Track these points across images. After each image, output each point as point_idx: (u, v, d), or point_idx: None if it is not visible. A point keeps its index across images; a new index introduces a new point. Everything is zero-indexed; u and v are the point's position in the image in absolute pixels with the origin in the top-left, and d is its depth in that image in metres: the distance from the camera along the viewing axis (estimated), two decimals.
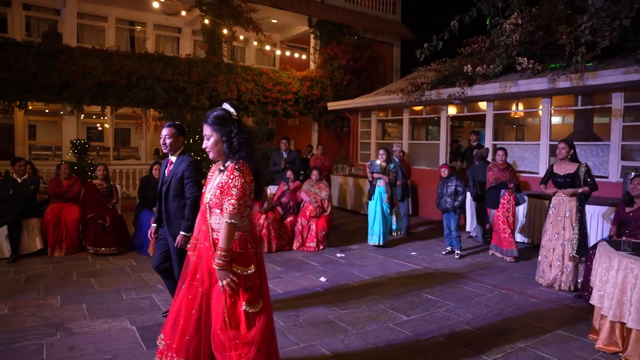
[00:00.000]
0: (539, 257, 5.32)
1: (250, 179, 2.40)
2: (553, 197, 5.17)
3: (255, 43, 12.07)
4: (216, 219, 2.44)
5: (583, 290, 4.70)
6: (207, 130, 2.48)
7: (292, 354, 3.33)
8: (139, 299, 4.46)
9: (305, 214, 6.96)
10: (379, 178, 7.03)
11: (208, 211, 2.48)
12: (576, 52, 4.74)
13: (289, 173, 7.22)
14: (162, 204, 3.64)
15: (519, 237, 7.01)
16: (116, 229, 6.19)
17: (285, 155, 8.13)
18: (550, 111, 7.79)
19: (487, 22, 6.26)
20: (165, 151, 3.66)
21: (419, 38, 14.83)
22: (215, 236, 2.43)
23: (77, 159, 9.85)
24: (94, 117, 14.26)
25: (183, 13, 10.53)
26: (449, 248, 6.66)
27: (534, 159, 8.11)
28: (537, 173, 7.85)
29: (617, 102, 6.76)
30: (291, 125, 14.57)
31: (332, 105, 12.06)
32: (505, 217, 6.09)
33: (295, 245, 6.87)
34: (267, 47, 12.08)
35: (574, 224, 4.94)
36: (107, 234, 6.06)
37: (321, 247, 6.85)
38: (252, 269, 2.42)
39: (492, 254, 6.41)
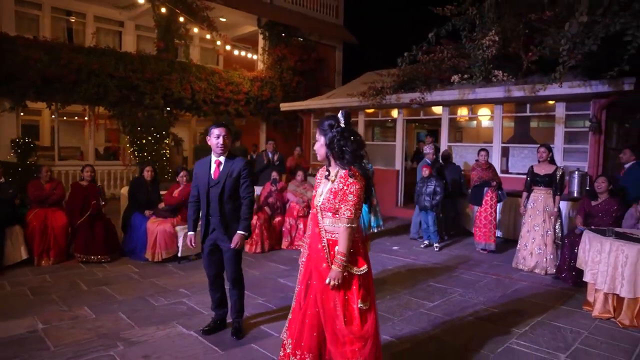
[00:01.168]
0: (518, 246, 6.10)
1: (363, 184, 2.58)
2: (532, 194, 5.96)
3: (207, 36, 11.81)
4: (328, 221, 2.62)
5: (559, 272, 5.54)
6: (317, 134, 2.71)
7: None
8: (171, 304, 4.41)
9: (292, 214, 7.17)
10: None
11: (320, 214, 2.65)
12: (556, 69, 5.56)
13: (274, 174, 7.38)
14: (215, 206, 3.57)
15: None
16: (106, 235, 5.92)
17: (270, 156, 8.27)
18: (502, 116, 8.77)
19: (462, 39, 6.94)
20: (219, 151, 3.56)
21: (361, 42, 15.60)
22: (329, 237, 2.62)
23: (19, 160, 9.04)
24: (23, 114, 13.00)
25: (141, 0, 10.06)
26: (426, 242, 7.27)
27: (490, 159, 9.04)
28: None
29: (560, 110, 7.87)
30: (237, 125, 14.51)
31: (285, 106, 12.27)
32: (488, 213, 6.81)
33: (284, 244, 7.06)
34: (228, 47, 11.96)
35: (552, 216, 5.77)
36: (98, 241, 5.78)
37: None
38: (365, 268, 2.60)
39: (478, 249, 6.97)
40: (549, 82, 5.99)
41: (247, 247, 6.72)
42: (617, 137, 7.87)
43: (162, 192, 6.48)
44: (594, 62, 5.78)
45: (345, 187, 2.54)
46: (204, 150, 8.96)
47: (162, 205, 6.15)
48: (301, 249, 2.93)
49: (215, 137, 3.51)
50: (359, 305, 2.54)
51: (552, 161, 5.91)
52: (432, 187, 7.06)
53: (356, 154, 2.59)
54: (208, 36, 11.64)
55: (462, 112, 10.13)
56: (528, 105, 8.43)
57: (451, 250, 7.10)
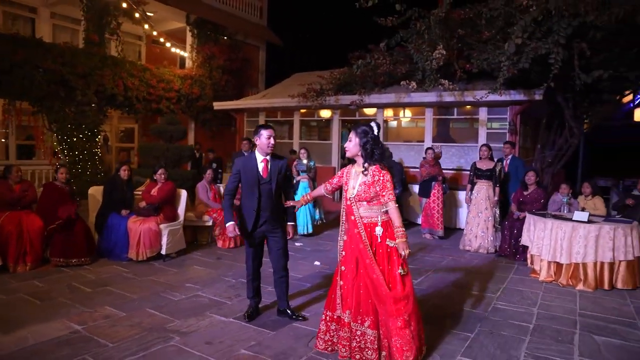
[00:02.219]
0: (465, 231, 7.18)
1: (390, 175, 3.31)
2: (475, 186, 7.05)
3: (147, 27, 11.38)
4: (363, 209, 3.25)
5: (501, 250, 6.69)
6: (352, 135, 3.31)
7: None
8: (190, 298, 4.59)
9: None
10: (304, 172, 8.06)
11: (355, 204, 3.27)
12: (497, 81, 6.67)
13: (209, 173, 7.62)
14: (266, 201, 3.89)
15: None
16: (85, 237, 5.75)
17: (246, 154, 8.42)
18: (432, 118, 9.95)
19: (410, 50, 7.83)
20: (269, 151, 3.88)
21: (285, 43, 16.07)
22: (365, 222, 3.24)
23: None
24: None
25: None
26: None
27: (418, 157, 10.17)
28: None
29: (483, 114, 9.23)
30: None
31: (218, 105, 12.33)
32: (436, 204, 7.80)
33: None
34: (168, 44, 11.61)
35: (493, 205, 6.91)
36: (78, 243, 5.61)
37: None
38: (397, 242, 3.23)
39: (424, 235, 8.00)
40: (491, 92, 7.11)
41: (220, 243, 6.94)
42: (525, 137, 9.44)
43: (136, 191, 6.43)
44: (525, 76, 6.99)
45: (380, 178, 3.20)
46: (150, 149, 8.89)
47: (142, 203, 6.12)
48: (338, 237, 3.51)
49: (266, 138, 3.84)
50: (398, 272, 3.17)
51: (491, 158, 7.07)
52: None
53: (382, 156, 3.31)
54: (142, 29, 11.26)
55: (388, 113, 11.19)
56: (455, 109, 9.71)
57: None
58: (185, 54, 13.00)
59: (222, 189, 7.56)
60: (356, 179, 3.33)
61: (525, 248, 6.20)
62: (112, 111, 11.59)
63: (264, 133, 3.86)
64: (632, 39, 6.26)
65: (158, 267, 5.74)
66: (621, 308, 4.61)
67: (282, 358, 3.29)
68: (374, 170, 3.24)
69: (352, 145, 3.28)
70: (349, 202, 3.34)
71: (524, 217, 6.42)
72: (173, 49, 12.52)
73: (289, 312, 4.09)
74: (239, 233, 4.03)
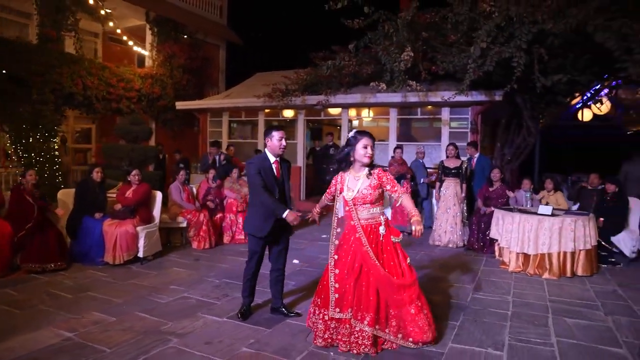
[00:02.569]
0: (434, 227, 7.48)
1: None
2: (444, 183, 7.36)
3: (112, 24, 10.96)
4: (365, 212, 3.46)
5: (470, 244, 7.03)
6: (371, 141, 3.52)
7: None
8: (178, 299, 4.56)
9: (232, 209, 7.48)
10: None
11: (355, 208, 3.46)
12: (462, 83, 7.00)
13: (212, 172, 7.58)
14: (282, 199, 3.94)
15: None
16: (59, 241, 5.55)
17: (217, 157, 8.38)
18: (397, 118, 10.25)
19: (379, 51, 8.04)
20: (281, 153, 3.91)
21: (245, 42, 15.97)
22: (365, 223, 3.45)
23: None
24: None
25: None
26: None
27: (385, 156, 10.45)
28: (387, 167, 10.22)
29: (446, 114, 9.63)
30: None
31: (181, 105, 12.11)
32: None
33: (226, 239, 7.34)
34: (129, 41, 11.24)
35: (460, 201, 7.25)
36: (52, 248, 5.40)
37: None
38: (401, 237, 3.57)
39: None
40: (458, 93, 7.44)
41: (195, 244, 6.88)
42: (484, 136, 9.92)
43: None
44: (486, 78, 7.37)
45: (386, 177, 3.50)
46: (114, 150, 8.63)
47: (118, 206, 5.97)
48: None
49: (278, 140, 3.86)
50: (408, 262, 3.49)
51: (458, 156, 7.41)
52: None
53: None
54: (100, 25, 10.86)
55: (353, 113, 11.40)
56: (419, 109, 10.06)
57: None
58: (146, 53, 12.65)
59: (194, 190, 7.49)
60: (356, 183, 3.50)
61: (493, 241, 6.59)
62: (68, 111, 11.10)
63: (276, 135, 3.88)
64: (584, 47, 6.77)
65: (137, 270, 5.63)
66: (583, 293, 5.01)
67: (283, 354, 3.37)
68: (378, 173, 3.49)
69: (373, 153, 3.54)
70: (347, 208, 3.50)
71: (491, 212, 6.81)
72: (134, 48, 12.14)
73: (283, 309, 4.16)
74: (303, 216, 3.98)
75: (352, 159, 3.52)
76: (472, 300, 4.68)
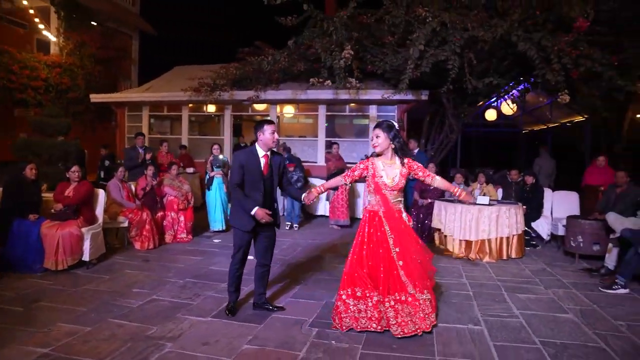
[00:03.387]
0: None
1: None
2: None
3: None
4: (392, 197, 3.68)
5: None
6: (378, 132, 3.67)
7: None
8: (148, 303, 4.30)
9: (173, 208, 7.16)
10: (219, 167, 7.97)
11: (389, 193, 3.66)
12: (401, 81, 7.38)
13: (151, 169, 7.15)
14: (267, 197, 3.89)
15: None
16: None
17: (142, 151, 7.78)
18: (325, 115, 10.51)
19: (317, 48, 8.16)
20: (272, 146, 3.90)
21: (160, 34, 15.16)
22: (396, 208, 3.71)
23: None
24: None
25: None
26: (288, 224, 8.36)
27: (313, 152, 10.67)
28: (316, 162, 10.47)
29: (373, 111, 10.10)
30: (22, 116, 12.14)
31: (97, 98, 11.15)
32: (343, 196, 8.31)
33: (168, 238, 7.02)
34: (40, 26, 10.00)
35: None
36: None
37: (190, 238, 7.25)
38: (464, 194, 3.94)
39: (331, 226, 8.47)
40: (396, 91, 7.84)
41: (138, 245, 6.49)
42: (409, 132, 10.58)
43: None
44: (416, 79, 7.83)
45: (416, 165, 3.74)
46: (29, 145, 7.78)
47: (59, 206, 5.41)
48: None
49: (270, 133, 3.82)
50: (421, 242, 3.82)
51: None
52: (296, 177, 8.21)
53: (407, 148, 3.95)
54: None
55: (282, 109, 11.47)
56: (347, 106, 10.42)
57: (313, 229, 8.39)
58: (52, 38, 11.44)
59: (132, 187, 7.03)
60: (389, 171, 3.68)
61: (431, 230, 7.13)
62: None
63: (268, 128, 3.83)
64: (506, 53, 7.58)
65: (85, 275, 5.18)
66: (521, 272, 5.67)
67: (288, 347, 3.39)
68: (408, 162, 3.71)
69: (382, 140, 3.64)
70: (384, 192, 3.66)
71: (428, 204, 7.35)
72: (44, 32, 10.91)
73: (267, 305, 4.15)
74: (271, 219, 3.85)
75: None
76: (437, 285, 5.04)
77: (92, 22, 12.63)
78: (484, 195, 6.77)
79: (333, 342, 3.50)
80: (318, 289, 4.84)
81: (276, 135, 3.87)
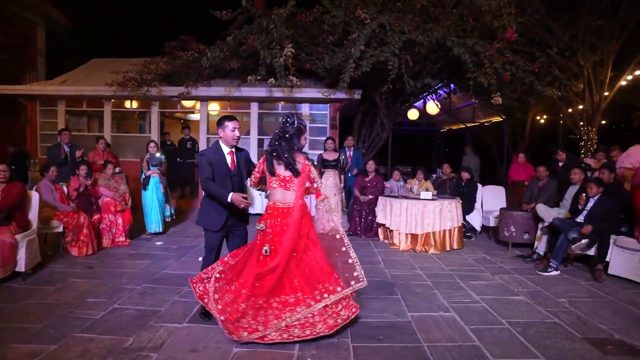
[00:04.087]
0: (316, 217, 7.90)
1: None
2: (324, 175, 7.83)
3: None
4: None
5: (354, 230, 7.69)
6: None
7: None
8: (113, 313, 3.98)
9: (110, 209, 6.67)
10: (156, 166, 7.58)
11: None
12: (341, 80, 7.51)
13: (84, 168, 6.57)
14: (237, 191, 3.75)
15: None
16: None
17: (67, 148, 7.04)
18: (257, 112, 10.37)
19: (257, 45, 8.01)
20: (234, 143, 3.79)
21: (74, 23, 13.90)
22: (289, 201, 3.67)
23: None
24: None
25: None
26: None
27: (247, 149, 10.48)
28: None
29: (306, 109, 10.18)
30: None
31: (2, 89, 9.92)
32: None
33: (106, 242, 6.53)
34: None
35: (340, 191, 7.83)
36: None
37: (129, 241, 6.81)
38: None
39: None
40: (338, 90, 7.95)
41: (75, 251, 5.97)
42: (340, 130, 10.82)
43: None
44: (358, 79, 8.07)
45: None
46: None
47: None
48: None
49: (231, 130, 3.74)
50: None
51: (335, 150, 8.00)
52: None
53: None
54: None
55: (213, 106, 11.11)
56: (280, 104, 10.40)
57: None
58: None
59: (65, 188, 6.41)
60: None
61: (373, 226, 7.41)
62: None
63: (229, 125, 3.76)
64: (439, 56, 8.09)
65: (23, 288, 4.63)
66: (466, 261, 6.11)
67: (279, 347, 3.35)
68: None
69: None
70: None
71: (369, 200, 7.61)
72: None
73: None
74: (249, 203, 3.76)
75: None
76: (393, 277, 5.27)
77: None
78: (427, 190, 7.16)
79: (336, 339, 3.51)
80: None
81: (237, 132, 3.78)
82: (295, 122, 3.57)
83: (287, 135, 3.53)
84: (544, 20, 8.05)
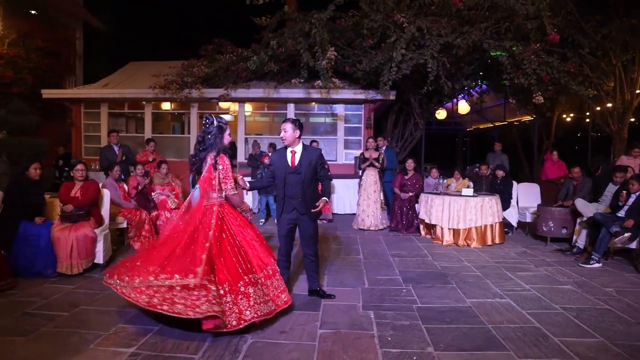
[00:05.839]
0: (357, 212, 8.25)
1: None
2: (365, 173, 8.14)
3: None
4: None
5: (394, 226, 7.98)
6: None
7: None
8: None
9: (165, 206, 7.05)
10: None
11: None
12: (382, 81, 7.83)
13: (140, 168, 6.98)
14: (296, 190, 4.12)
15: None
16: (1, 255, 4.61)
17: (117, 149, 7.44)
18: (294, 113, 10.72)
19: (300, 49, 8.37)
20: (284, 144, 4.15)
21: (108, 27, 14.40)
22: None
23: None
24: None
25: None
26: (263, 220, 8.55)
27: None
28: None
29: (341, 109, 10.51)
30: None
31: (49, 94, 10.40)
32: None
33: None
34: None
35: (379, 188, 8.14)
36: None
37: None
38: None
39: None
40: (378, 92, 8.29)
41: (137, 246, 6.36)
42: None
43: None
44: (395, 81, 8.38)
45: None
46: None
47: (69, 207, 5.16)
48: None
49: (283, 132, 4.14)
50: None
51: (376, 148, 8.31)
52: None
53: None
54: None
55: (249, 107, 11.49)
56: (315, 105, 10.74)
57: None
58: None
59: (125, 186, 6.82)
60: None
61: (414, 222, 7.72)
62: None
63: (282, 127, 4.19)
64: (474, 58, 8.36)
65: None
66: (508, 255, 6.38)
67: (358, 328, 3.67)
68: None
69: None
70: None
71: (409, 197, 7.90)
72: None
73: (320, 291, 4.39)
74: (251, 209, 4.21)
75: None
76: (443, 268, 5.57)
77: (32, 11, 11.72)
78: (468, 187, 7.44)
79: (394, 320, 3.84)
80: (342, 276, 5.15)
81: (282, 133, 4.15)
82: (214, 121, 3.79)
83: (206, 137, 3.75)
84: (577, 21, 8.26)
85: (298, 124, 4.19)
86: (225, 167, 3.70)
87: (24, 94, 10.77)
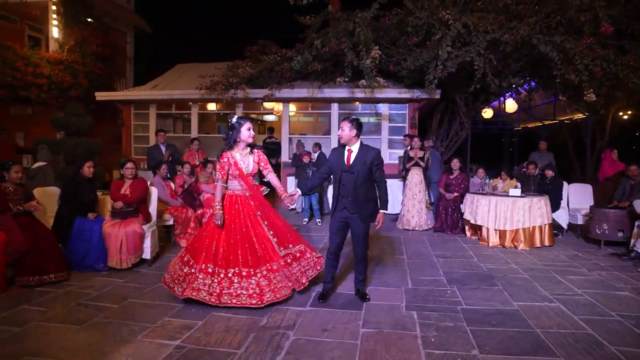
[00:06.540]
0: (402, 212, 8.14)
1: None
2: (409, 172, 8.04)
3: None
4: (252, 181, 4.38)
5: (439, 226, 7.81)
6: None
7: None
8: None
9: (211, 205, 7.15)
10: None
11: (250, 178, 4.37)
12: (428, 80, 7.70)
13: (187, 166, 7.18)
14: (348, 189, 4.10)
15: None
16: (55, 247, 4.86)
17: (164, 148, 7.70)
18: (338, 113, 10.72)
19: (344, 48, 8.38)
20: (341, 142, 4.18)
21: (155, 31, 14.95)
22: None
23: None
24: None
25: None
26: (306, 219, 8.56)
27: (327, 150, 10.83)
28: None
29: (385, 109, 10.40)
30: (18, 114, 11.65)
31: (102, 96, 10.92)
32: None
33: None
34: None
35: (424, 188, 8.00)
36: (51, 255, 4.70)
37: None
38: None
39: None
40: (424, 91, 8.17)
41: (183, 243, 6.53)
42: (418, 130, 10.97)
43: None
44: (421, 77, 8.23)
45: (262, 157, 4.46)
46: (50, 144, 7.66)
47: (119, 204, 5.38)
48: None
49: (340, 130, 4.14)
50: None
51: (421, 148, 8.18)
52: (311, 172, 8.42)
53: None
54: None
55: (294, 107, 11.57)
56: (359, 104, 10.69)
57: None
58: (55, 34, 11.10)
59: (172, 185, 7.03)
60: (245, 160, 4.30)
61: (459, 223, 7.52)
62: None
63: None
64: (522, 54, 8.07)
65: (152, 273, 5.20)
66: (558, 257, 6.11)
67: (401, 328, 3.62)
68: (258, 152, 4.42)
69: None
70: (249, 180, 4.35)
71: (454, 197, 7.72)
72: (53, 29, 10.54)
73: (359, 292, 4.37)
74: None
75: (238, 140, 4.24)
76: (489, 270, 5.40)
77: (88, 19, 12.31)
78: (515, 187, 7.19)
79: (437, 322, 3.75)
80: (385, 276, 5.09)
81: (338, 132, 4.21)
82: (230, 122, 4.26)
83: (228, 134, 4.27)
84: (637, 10, 7.78)
85: (356, 123, 4.15)
86: (221, 161, 4.20)
87: (80, 97, 11.32)
